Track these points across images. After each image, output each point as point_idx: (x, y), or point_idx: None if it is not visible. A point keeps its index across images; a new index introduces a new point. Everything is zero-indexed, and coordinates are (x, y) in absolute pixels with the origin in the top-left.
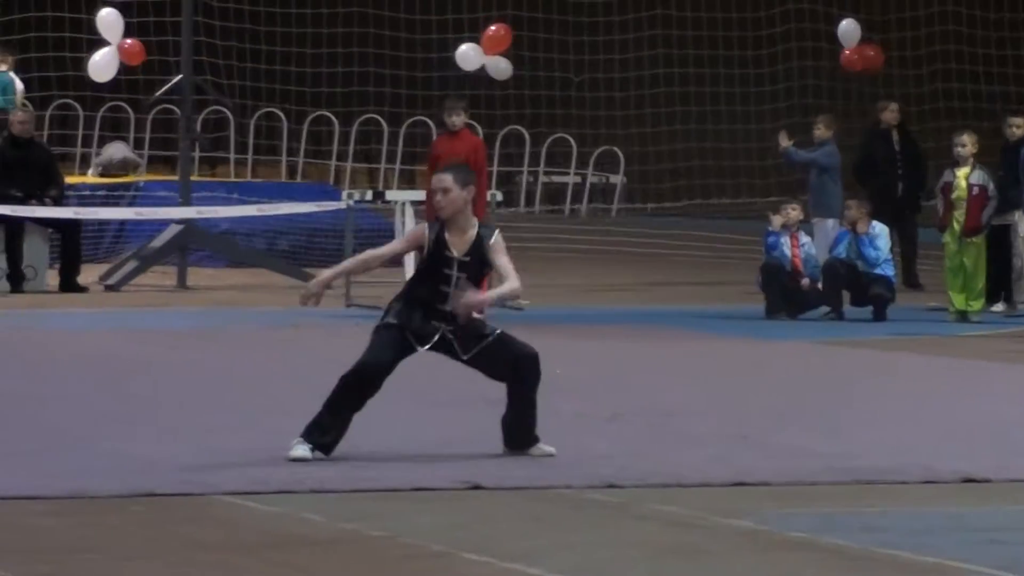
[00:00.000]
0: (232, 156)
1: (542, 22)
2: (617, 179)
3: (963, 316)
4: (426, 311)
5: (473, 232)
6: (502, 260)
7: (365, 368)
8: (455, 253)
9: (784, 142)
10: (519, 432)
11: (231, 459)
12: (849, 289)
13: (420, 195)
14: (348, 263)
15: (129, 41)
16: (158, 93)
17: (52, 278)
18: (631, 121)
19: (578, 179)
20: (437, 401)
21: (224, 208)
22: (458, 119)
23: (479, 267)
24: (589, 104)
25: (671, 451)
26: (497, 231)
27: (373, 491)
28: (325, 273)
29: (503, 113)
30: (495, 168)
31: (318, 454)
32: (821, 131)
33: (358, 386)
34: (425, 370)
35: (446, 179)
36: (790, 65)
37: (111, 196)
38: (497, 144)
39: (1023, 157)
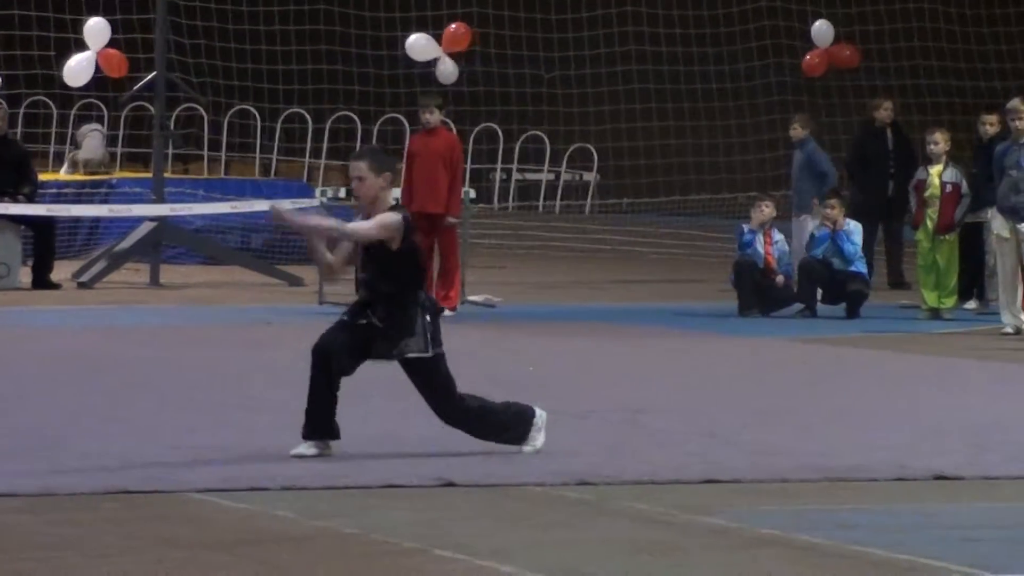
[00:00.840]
0: (206, 153)
1: (513, 19)
2: (591, 176)
3: (935, 313)
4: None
5: None
6: (370, 221)
7: (318, 347)
8: None
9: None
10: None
11: (204, 456)
12: (824, 287)
13: (394, 192)
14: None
15: (111, 51)
16: (132, 90)
17: (25, 275)
18: (605, 117)
19: (551, 176)
20: (409, 399)
21: (198, 205)
22: (431, 116)
23: (383, 253)
24: (562, 101)
25: (644, 448)
26: (397, 213)
27: (345, 488)
28: (310, 221)
29: (476, 110)
30: (468, 165)
31: (326, 445)
32: (798, 131)
33: (321, 366)
34: (397, 368)
35: (360, 167)
36: (766, 61)
37: (84, 193)
38: (470, 141)
39: (996, 154)
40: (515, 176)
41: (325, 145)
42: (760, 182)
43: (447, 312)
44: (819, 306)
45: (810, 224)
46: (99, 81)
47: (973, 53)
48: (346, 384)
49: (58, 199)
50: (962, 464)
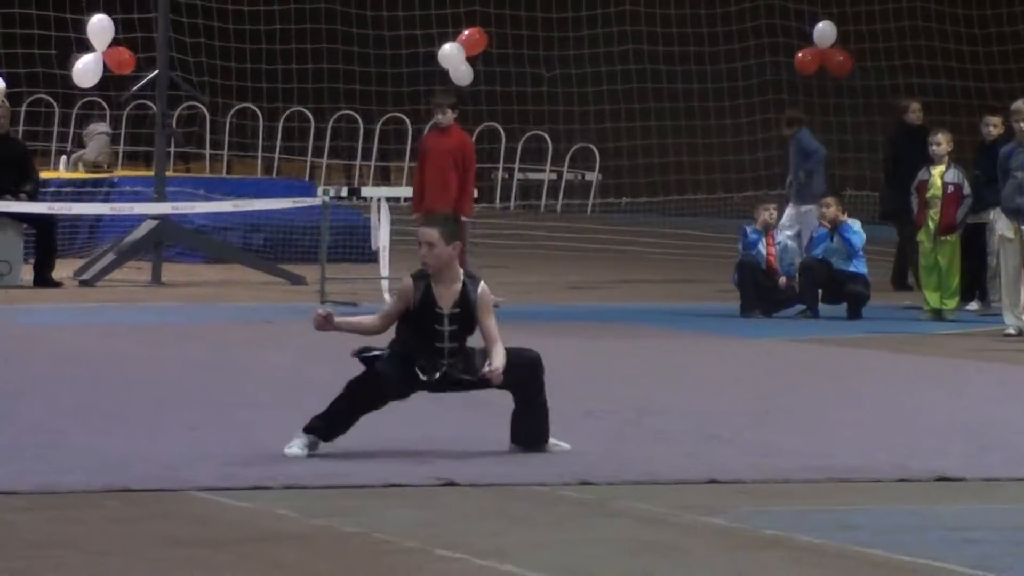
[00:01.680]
0: (207, 152)
1: (515, 19)
2: (593, 176)
3: (937, 315)
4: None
5: (459, 284)
6: (488, 322)
7: (377, 378)
8: (444, 309)
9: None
10: (525, 430)
11: (205, 454)
12: (824, 287)
13: (395, 192)
14: (348, 321)
15: (119, 49)
16: (133, 89)
17: (27, 273)
18: (606, 116)
19: (554, 176)
20: (411, 398)
21: (199, 204)
22: (444, 116)
23: (468, 319)
24: (563, 100)
25: (645, 448)
26: (482, 283)
27: (346, 487)
28: (336, 319)
29: (479, 109)
30: None
31: (314, 446)
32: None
33: (367, 395)
34: None
35: (432, 234)
36: (763, 60)
37: (86, 192)
38: (473, 140)
39: (1001, 156)
40: (517, 176)
41: (327, 144)
42: (761, 182)
43: None
44: (821, 307)
45: (814, 215)
46: (101, 80)
47: (965, 54)
48: None
49: (59, 197)
50: (964, 465)
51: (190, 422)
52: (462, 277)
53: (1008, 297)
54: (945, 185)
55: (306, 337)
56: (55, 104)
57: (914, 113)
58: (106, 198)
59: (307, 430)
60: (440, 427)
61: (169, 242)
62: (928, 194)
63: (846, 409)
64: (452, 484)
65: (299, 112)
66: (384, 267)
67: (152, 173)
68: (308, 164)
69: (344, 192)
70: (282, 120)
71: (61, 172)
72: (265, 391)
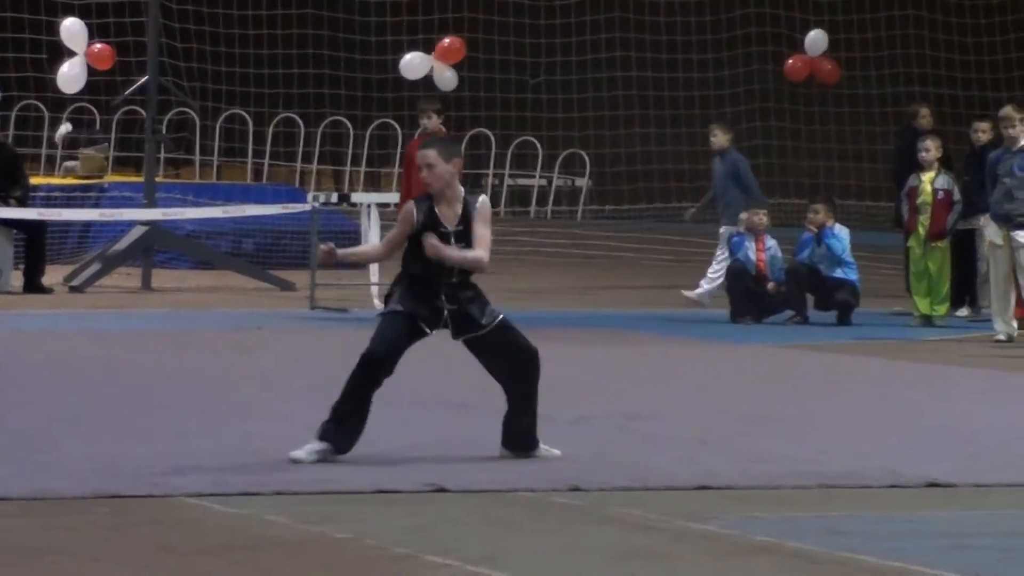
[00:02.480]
0: (197, 158)
1: (505, 25)
2: (583, 182)
3: (927, 321)
4: (428, 292)
5: (461, 203)
6: (480, 230)
7: (372, 356)
8: (448, 227)
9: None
10: (516, 434)
11: (195, 461)
12: (812, 292)
13: (386, 197)
14: (352, 251)
15: (98, 46)
16: (123, 94)
17: (16, 279)
18: (592, 123)
19: (544, 182)
20: (401, 404)
21: (189, 210)
22: (430, 121)
23: (472, 235)
24: (553, 107)
25: (635, 454)
26: (483, 196)
27: (337, 493)
28: (339, 252)
29: (467, 115)
30: None
31: (325, 456)
32: (719, 139)
33: (370, 373)
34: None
35: (429, 154)
36: (750, 68)
37: (75, 197)
38: (463, 146)
39: (990, 162)
40: (507, 181)
41: (317, 150)
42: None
43: None
44: (811, 313)
45: (730, 234)
46: (91, 85)
47: (955, 63)
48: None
49: (49, 203)
50: (954, 471)
51: (180, 428)
52: (462, 195)
53: (997, 303)
54: (935, 191)
55: (296, 343)
56: (44, 109)
57: (924, 119)
58: (96, 204)
59: (322, 438)
60: (431, 433)
61: (159, 248)
62: (918, 200)
63: (836, 415)
64: (443, 490)
65: (289, 118)
66: (374, 273)
67: (142, 179)
68: (298, 170)
69: (334, 198)
70: (271, 126)
71: (54, 178)
72: (255, 397)
